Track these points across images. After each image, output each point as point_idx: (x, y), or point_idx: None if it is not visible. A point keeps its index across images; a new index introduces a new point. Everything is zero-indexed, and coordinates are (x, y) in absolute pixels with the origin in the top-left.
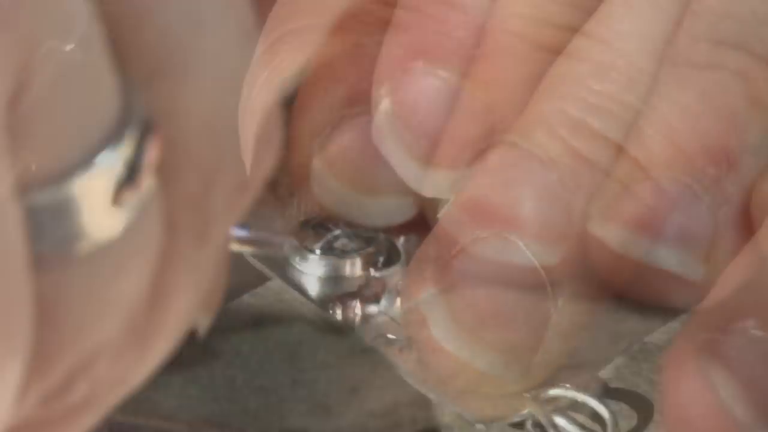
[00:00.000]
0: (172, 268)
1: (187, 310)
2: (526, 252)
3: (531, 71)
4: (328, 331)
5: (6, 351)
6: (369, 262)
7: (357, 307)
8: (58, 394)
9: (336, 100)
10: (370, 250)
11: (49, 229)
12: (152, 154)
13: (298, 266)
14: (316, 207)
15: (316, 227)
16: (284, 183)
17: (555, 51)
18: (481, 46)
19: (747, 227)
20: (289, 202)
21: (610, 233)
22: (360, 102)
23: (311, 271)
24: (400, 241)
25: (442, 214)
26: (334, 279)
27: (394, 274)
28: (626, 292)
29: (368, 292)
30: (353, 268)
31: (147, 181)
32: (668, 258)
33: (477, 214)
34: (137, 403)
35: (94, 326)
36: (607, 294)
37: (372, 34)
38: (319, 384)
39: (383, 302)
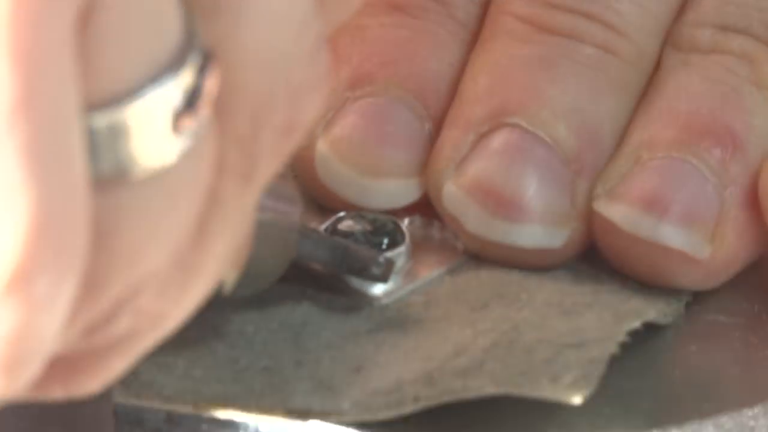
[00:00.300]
0: (217, 207)
1: (227, 251)
2: (531, 235)
3: (534, 53)
4: (333, 311)
5: (64, 268)
6: (374, 244)
7: (362, 288)
8: (102, 325)
9: (339, 82)
10: (375, 231)
11: (107, 152)
12: (212, 83)
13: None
14: (319, 189)
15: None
16: (289, 165)
17: (558, 33)
18: (483, 29)
19: (755, 208)
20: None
21: (617, 212)
22: (363, 84)
23: (316, 252)
24: (405, 222)
25: (446, 196)
26: (339, 260)
27: (399, 255)
28: (632, 272)
29: (374, 273)
30: (358, 249)
31: (205, 111)
32: (674, 236)
33: (481, 197)
34: (142, 384)
35: (143, 255)
36: (613, 273)
37: (375, 16)
38: (323, 364)
39: (389, 283)
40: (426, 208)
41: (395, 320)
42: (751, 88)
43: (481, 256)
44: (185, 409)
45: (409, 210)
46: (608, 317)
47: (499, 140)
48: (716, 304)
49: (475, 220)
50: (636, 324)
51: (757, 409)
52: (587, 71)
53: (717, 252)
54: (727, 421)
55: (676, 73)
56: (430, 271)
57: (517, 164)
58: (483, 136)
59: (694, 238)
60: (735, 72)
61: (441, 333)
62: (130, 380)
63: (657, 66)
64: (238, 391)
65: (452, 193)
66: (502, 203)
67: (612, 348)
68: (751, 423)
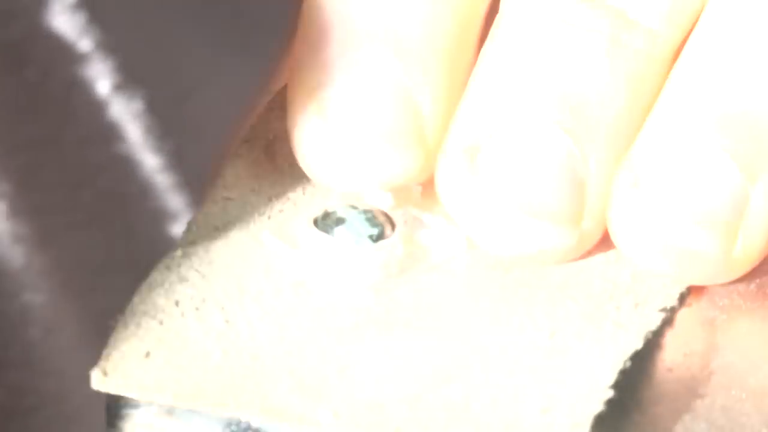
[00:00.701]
0: None
1: None
2: (542, 232)
3: (550, 47)
4: (318, 301)
5: None
6: (364, 235)
7: (348, 279)
8: None
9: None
10: (365, 222)
11: None
12: None
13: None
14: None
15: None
16: (282, 152)
17: (574, 25)
18: (497, 21)
19: None
20: (289, 171)
21: (640, 205)
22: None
23: (305, 243)
24: (398, 213)
25: (459, 189)
26: (327, 251)
27: (389, 248)
28: (647, 264)
29: (362, 265)
30: (347, 240)
31: None
32: (699, 235)
33: (494, 191)
34: (122, 374)
35: None
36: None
37: None
38: (306, 358)
39: (377, 276)
40: (420, 200)
41: (382, 319)
42: None
43: (488, 251)
44: (163, 399)
45: (402, 202)
46: (596, 355)
47: (512, 133)
48: (710, 299)
49: (485, 213)
50: (625, 365)
51: (748, 405)
52: (604, 65)
53: (742, 250)
54: (719, 417)
55: (710, 49)
56: (420, 266)
57: (531, 160)
58: (497, 131)
59: (718, 237)
60: None
61: (430, 346)
62: (110, 369)
63: (689, 40)
64: (218, 382)
65: (465, 183)
66: (515, 198)
67: (597, 408)
68: (743, 419)
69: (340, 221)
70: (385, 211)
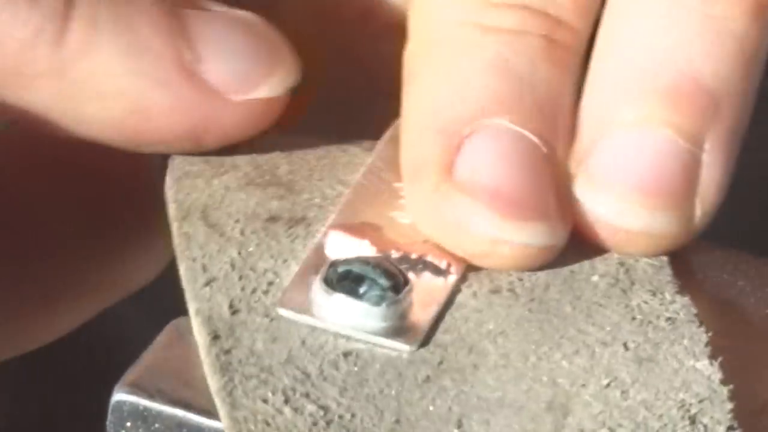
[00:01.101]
0: None
1: None
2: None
3: (489, 55)
4: (378, 365)
5: None
6: (377, 286)
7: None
8: None
9: None
10: (376, 272)
11: None
12: None
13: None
14: None
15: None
16: (221, 221)
17: (503, 32)
18: (427, 40)
19: (731, 150)
20: (243, 240)
21: (597, 202)
22: None
23: (329, 308)
24: (391, 258)
25: (448, 202)
26: (359, 312)
27: (406, 296)
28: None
29: (393, 318)
30: (374, 297)
31: None
32: (656, 220)
33: (487, 199)
34: None
35: None
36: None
37: None
38: (416, 420)
39: (405, 327)
40: (392, 241)
41: (447, 367)
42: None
43: (487, 264)
44: None
45: (382, 247)
46: (681, 354)
47: (485, 141)
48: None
49: (483, 224)
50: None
51: None
52: (547, 64)
53: (701, 214)
54: None
55: (624, 34)
56: (432, 306)
57: (513, 163)
58: (466, 138)
59: (677, 216)
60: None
61: (517, 383)
62: None
63: (600, 30)
64: None
65: (454, 199)
66: (508, 203)
67: (729, 405)
68: None
69: (359, 279)
70: (388, 258)
